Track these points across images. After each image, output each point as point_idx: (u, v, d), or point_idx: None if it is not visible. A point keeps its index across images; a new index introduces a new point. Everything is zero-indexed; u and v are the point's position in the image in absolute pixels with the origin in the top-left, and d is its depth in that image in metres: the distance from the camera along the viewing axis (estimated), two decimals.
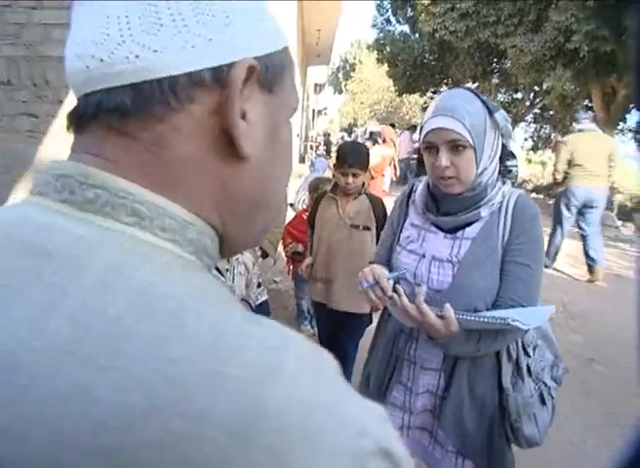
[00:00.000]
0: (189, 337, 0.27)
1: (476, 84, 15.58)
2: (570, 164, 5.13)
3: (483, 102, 1.12)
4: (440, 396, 1.24)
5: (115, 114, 0.34)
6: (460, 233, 1.18)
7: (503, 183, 1.20)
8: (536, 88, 12.43)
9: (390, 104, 35.84)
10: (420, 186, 1.30)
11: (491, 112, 1.12)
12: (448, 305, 1.03)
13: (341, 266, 2.20)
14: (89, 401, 0.25)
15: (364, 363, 1.47)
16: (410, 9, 15.58)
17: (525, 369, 1.16)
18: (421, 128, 1.17)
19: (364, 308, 2.20)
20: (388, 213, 1.50)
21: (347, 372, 2.28)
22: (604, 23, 7.63)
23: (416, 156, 13.76)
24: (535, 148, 17.25)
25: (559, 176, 5.29)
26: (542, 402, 1.17)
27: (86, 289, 0.28)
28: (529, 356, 1.17)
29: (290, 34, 7.29)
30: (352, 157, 2.10)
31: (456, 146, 1.09)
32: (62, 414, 0.25)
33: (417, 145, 14.43)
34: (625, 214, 10.70)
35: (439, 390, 1.24)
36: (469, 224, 1.17)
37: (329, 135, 25.46)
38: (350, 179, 2.11)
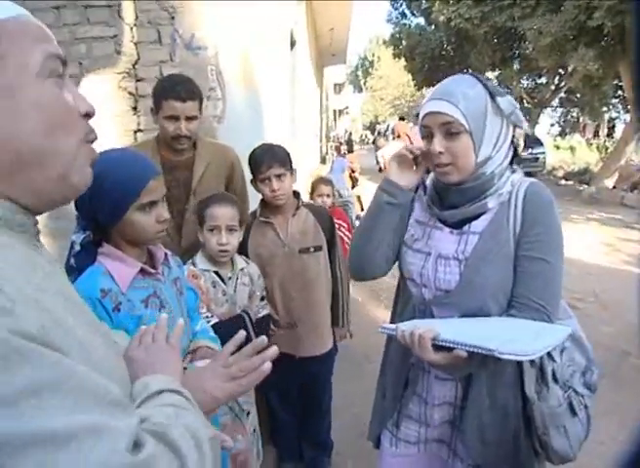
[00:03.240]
0: None
1: (497, 71, 15.18)
2: None
3: (485, 86, 1.05)
4: (459, 406, 1.15)
5: None
6: (465, 227, 1.10)
7: (513, 172, 1.11)
8: (560, 71, 11.97)
9: (411, 99, 35.40)
10: (428, 180, 1.24)
11: (493, 97, 1.04)
12: (462, 353, 0.90)
13: (303, 304, 1.80)
14: None
15: (379, 374, 1.39)
16: (424, 0, 15.33)
17: (550, 374, 1.05)
18: (418, 115, 1.12)
19: (330, 342, 1.92)
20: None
21: (327, 414, 2.07)
22: None
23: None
24: (562, 134, 16.67)
25: None
26: (573, 412, 1.06)
27: None
28: (554, 360, 1.06)
29: (299, 37, 7.26)
30: (268, 157, 1.68)
31: (450, 131, 1.03)
32: None
33: None
34: None
35: (457, 400, 1.15)
36: (476, 217, 1.09)
37: (350, 133, 25.43)
38: (276, 184, 1.67)
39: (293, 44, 6.49)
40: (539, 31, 9.07)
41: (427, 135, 1.09)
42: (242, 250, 1.70)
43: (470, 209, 1.08)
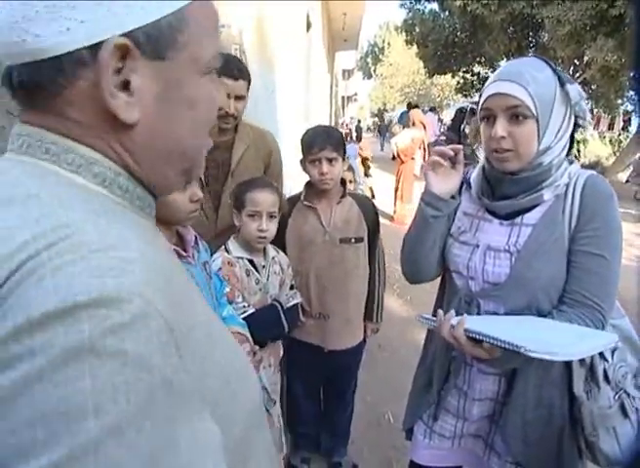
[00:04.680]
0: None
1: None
2: None
3: (554, 71, 0.99)
4: (501, 402, 1.12)
5: (22, 89, 0.42)
6: (518, 219, 1.06)
7: (570, 163, 1.06)
8: (576, 61, 11.74)
9: (421, 87, 34.97)
10: (475, 171, 1.18)
11: (562, 84, 0.98)
12: (487, 346, 0.88)
13: (337, 296, 1.73)
14: None
15: (418, 364, 1.35)
16: None
17: (601, 374, 1.01)
18: (480, 95, 1.06)
19: (360, 335, 1.86)
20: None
21: (350, 405, 2.03)
22: None
23: (443, 138, 13.49)
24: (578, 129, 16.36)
25: None
26: (625, 414, 1.02)
27: None
28: (606, 360, 1.02)
29: (314, 20, 7.13)
30: (321, 138, 1.61)
31: (516, 115, 0.97)
32: None
33: (444, 127, 14.00)
34: None
35: (500, 396, 1.12)
36: (529, 210, 1.05)
37: (359, 121, 25.25)
38: (325, 167, 1.60)
39: (308, 26, 6.37)
40: (557, 19, 8.87)
41: (489, 117, 1.02)
42: (279, 232, 1.63)
43: (525, 200, 1.03)
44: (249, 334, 1.22)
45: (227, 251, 1.48)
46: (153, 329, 0.35)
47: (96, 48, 0.39)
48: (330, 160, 1.61)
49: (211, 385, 0.42)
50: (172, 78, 0.44)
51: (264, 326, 1.43)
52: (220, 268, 1.39)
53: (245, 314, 1.37)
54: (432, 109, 14.00)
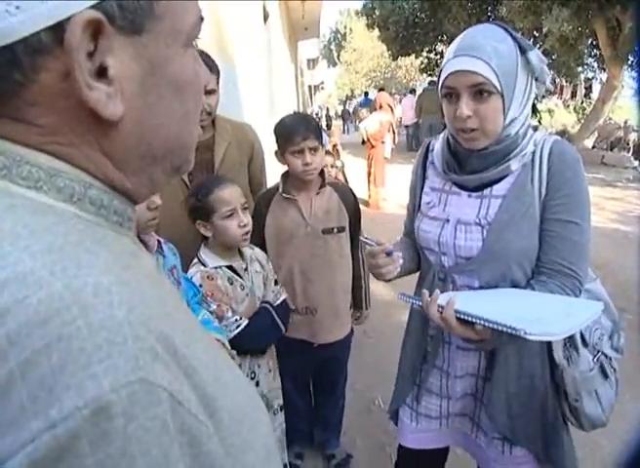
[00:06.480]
0: None
1: None
2: None
3: (514, 40, 0.96)
4: (482, 377, 1.12)
5: None
6: (487, 191, 1.04)
7: (535, 130, 1.04)
8: (535, 33, 11.85)
9: (386, 70, 34.92)
10: (438, 144, 1.16)
11: (523, 51, 0.96)
12: (480, 327, 0.85)
13: (323, 288, 1.69)
14: None
15: (401, 347, 1.33)
16: None
17: (579, 338, 1.01)
18: (440, 71, 1.01)
19: (348, 326, 1.83)
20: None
21: (341, 397, 2.03)
22: None
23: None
24: (540, 96, 16.63)
25: None
26: (604, 375, 1.03)
27: None
28: None
29: (272, 9, 7.01)
30: (303, 127, 1.55)
31: (480, 92, 0.94)
32: None
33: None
34: None
35: (481, 371, 1.12)
36: (497, 181, 1.03)
37: (327, 109, 25.16)
38: (309, 157, 1.54)
39: (266, 17, 6.25)
40: None
41: (451, 95, 0.98)
42: (257, 229, 1.57)
43: (493, 172, 1.01)
44: (226, 341, 1.18)
45: (203, 263, 1.37)
46: (163, 417, 0.28)
47: (59, 28, 0.30)
48: (312, 149, 1.56)
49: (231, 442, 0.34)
50: (154, 56, 0.36)
51: (262, 333, 1.39)
52: (200, 285, 1.30)
53: (240, 328, 1.31)
54: (412, 91, 14.00)
